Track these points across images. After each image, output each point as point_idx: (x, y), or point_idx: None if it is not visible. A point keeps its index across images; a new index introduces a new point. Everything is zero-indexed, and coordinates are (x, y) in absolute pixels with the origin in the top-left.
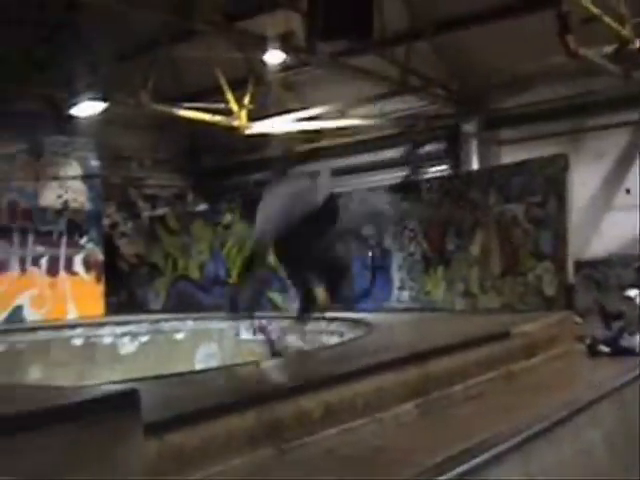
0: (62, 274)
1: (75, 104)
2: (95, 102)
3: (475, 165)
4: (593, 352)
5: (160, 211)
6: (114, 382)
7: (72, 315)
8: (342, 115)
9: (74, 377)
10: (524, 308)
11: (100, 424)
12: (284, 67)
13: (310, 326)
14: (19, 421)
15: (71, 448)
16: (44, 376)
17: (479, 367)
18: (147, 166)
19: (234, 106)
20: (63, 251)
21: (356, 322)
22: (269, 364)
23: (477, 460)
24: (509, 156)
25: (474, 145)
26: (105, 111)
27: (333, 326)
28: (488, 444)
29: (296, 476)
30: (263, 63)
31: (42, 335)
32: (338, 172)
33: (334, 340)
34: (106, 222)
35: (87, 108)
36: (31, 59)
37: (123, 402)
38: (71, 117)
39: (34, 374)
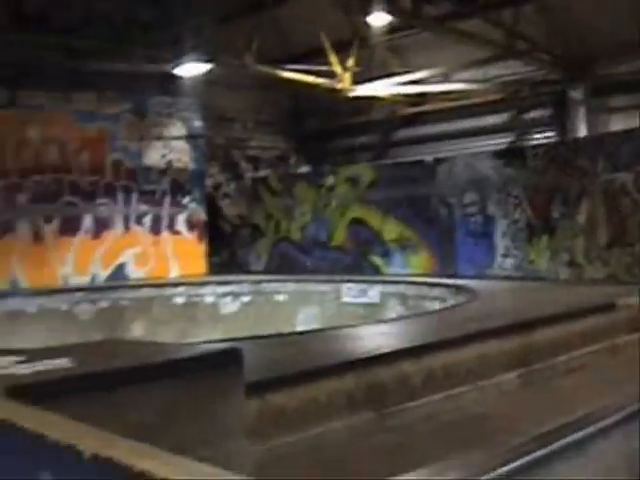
0: (165, 233)
1: (179, 65)
2: (199, 63)
3: (582, 132)
4: None
5: (263, 172)
6: (215, 341)
7: (174, 274)
8: (446, 79)
9: (176, 335)
10: (630, 280)
11: (202, 381)
12: (389, 30)
13: (412, 291)
14: (122, 376)
15: (172, 404)
16: (146, 333)
17: (583, 339)
18: (250, 127)
19: (338, 68)
20: (166, 210)
21: (459, 288)
22: (371, 328)
23: (582, 433)
24: (618, 124)
25: (581, 112)
26: (209, 72)
27: (435, 292)
28: (593, 417)
29: (396, 440)
30: (368, 25)
31: (145, 293)
32: (442, 137)
33: (436, 306)
34: (209, 182)
35: (191, 69)
36: (136, 20)
37: (226, 360)
38: (175, 78)
39: (136, 331)
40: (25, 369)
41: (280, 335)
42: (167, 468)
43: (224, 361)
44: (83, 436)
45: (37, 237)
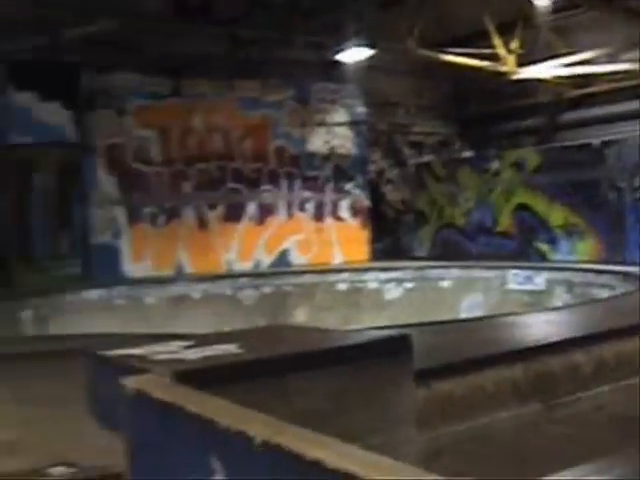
0: (328, 219)
1: (341, 51)
2: (361, 49)
3: None
4: None
5: (426, 158)
6: (380, 327)
7: (337, 260)
8: (612, 60)
9: (338, 321)
10: None
11: (370, 368)
12: (554, 9)
13: (579, 278)
14: (289, 362)
15: (340, 391)
16: (309, 319)
17: None
18: (412, 113)
19: (502, 51)
20: (329, 196)
21: (628, 276)
22: (538, 316)
23: None
24: None
25: None
26: (370, 57)
27: (603, 279)
28: None
29: (564, 432)
30: (532, 6)
31: (308, 279)
32: (610, 119)
33: (604, 294)
34: (372, 168)
35: (353, 55)
36: (298, 7)
37: (395, 347)
38: (337, 64)
39: (299, 317)
40: (193, 354)
41: (445, 322)
42: (338, 457)
43: (393, 348)
44: (252, 422)
45: (202, 224)
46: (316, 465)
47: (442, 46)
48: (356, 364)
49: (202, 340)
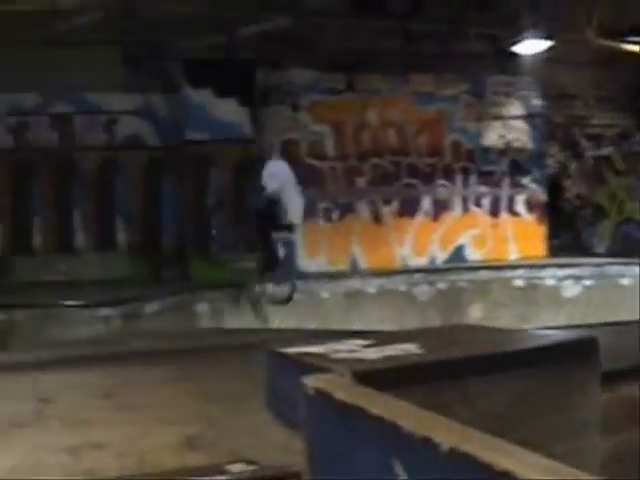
0: (504, 214)
1: (517, 42)
2: (538, 40)
3: None
4: None
5: (605, 151)
6: (558, 327)
7: (513, 256)
8: None
9: (515, 319)
10: None
11: (555, 372)
12: None
13: None
14: (472, 364)
15: (523, 394)
16: (484, 316)
17: None
18: (591, 105)
19: None
20: (505, 191)
21: None
22: None
23: None
24: None
25: None
26: (547, 48)
27: None
28: None
29: None
30: None
31: (483, 275)
32: None
33: None
34: (550, 162)
35: (530, 46)
36: (471, 0)
37: (581, 350)
38: (513, 56)
39: (474, 314)
40: (373, 354)
41: (627, 322)
42: (527, 469)
43: (580, 351)
44: (437, 428)
45: (376, 219)
46: (505, 476)
47: (621, 35)
48: (540, 367)
49: (381, 339)
